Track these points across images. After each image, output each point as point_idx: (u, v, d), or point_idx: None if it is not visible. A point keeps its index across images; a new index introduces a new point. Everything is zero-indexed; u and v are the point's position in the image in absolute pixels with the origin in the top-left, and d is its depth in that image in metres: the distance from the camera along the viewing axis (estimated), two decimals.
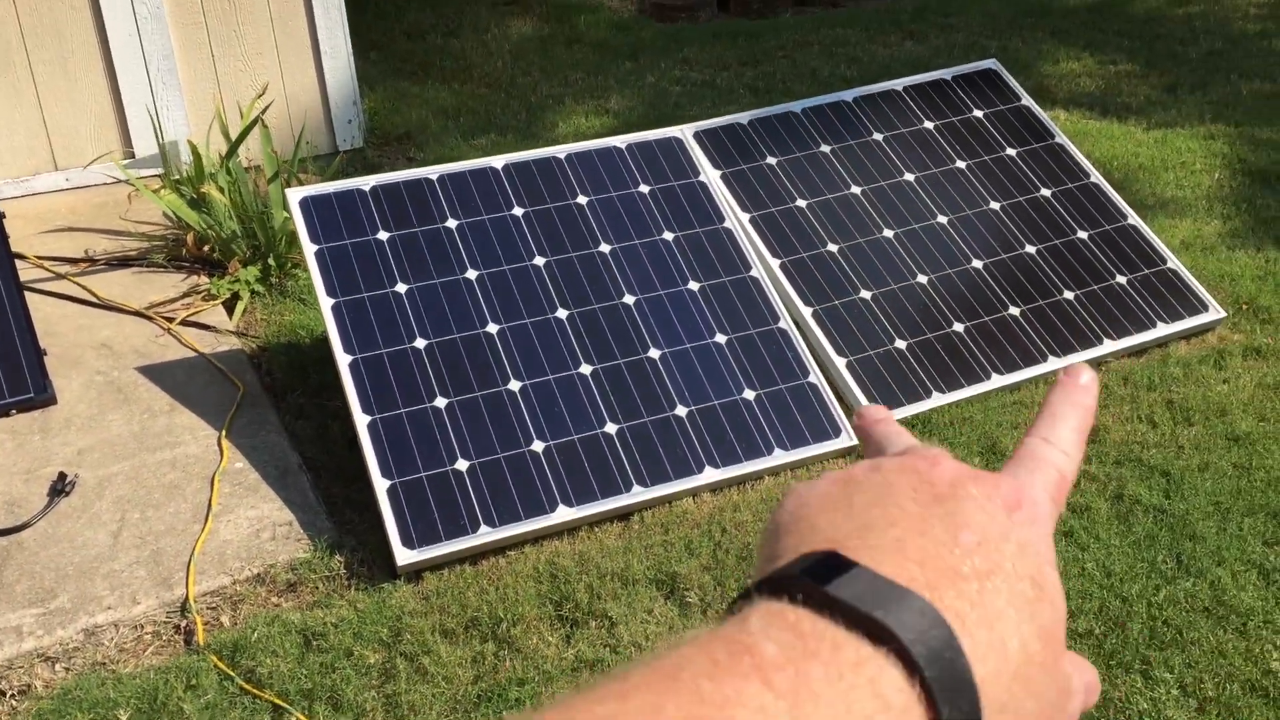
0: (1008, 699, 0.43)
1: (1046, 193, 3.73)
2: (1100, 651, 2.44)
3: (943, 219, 3.60)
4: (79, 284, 3.84)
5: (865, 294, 3.39)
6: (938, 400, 3.19)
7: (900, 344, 3.29)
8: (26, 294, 3.57)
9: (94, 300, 3.76)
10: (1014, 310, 3.42)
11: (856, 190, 3.62)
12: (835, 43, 6.06)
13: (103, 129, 4.37)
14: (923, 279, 3.45)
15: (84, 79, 4.29)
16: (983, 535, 0.46)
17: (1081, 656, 0.50)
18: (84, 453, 3.04)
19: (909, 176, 3.68)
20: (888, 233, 3.54)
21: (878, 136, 3.77)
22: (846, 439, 3.03)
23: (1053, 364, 3.32)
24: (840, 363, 3.23)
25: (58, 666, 2.44)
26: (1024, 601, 0.45)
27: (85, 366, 3.41)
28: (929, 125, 3.83)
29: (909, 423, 3.13)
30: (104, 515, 2.82)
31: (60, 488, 2.88)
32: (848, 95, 3.86)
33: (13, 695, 2.38)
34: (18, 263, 3.88)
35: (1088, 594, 2.58)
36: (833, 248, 3.48)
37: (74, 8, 4.19)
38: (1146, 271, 3.58)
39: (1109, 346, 3.38)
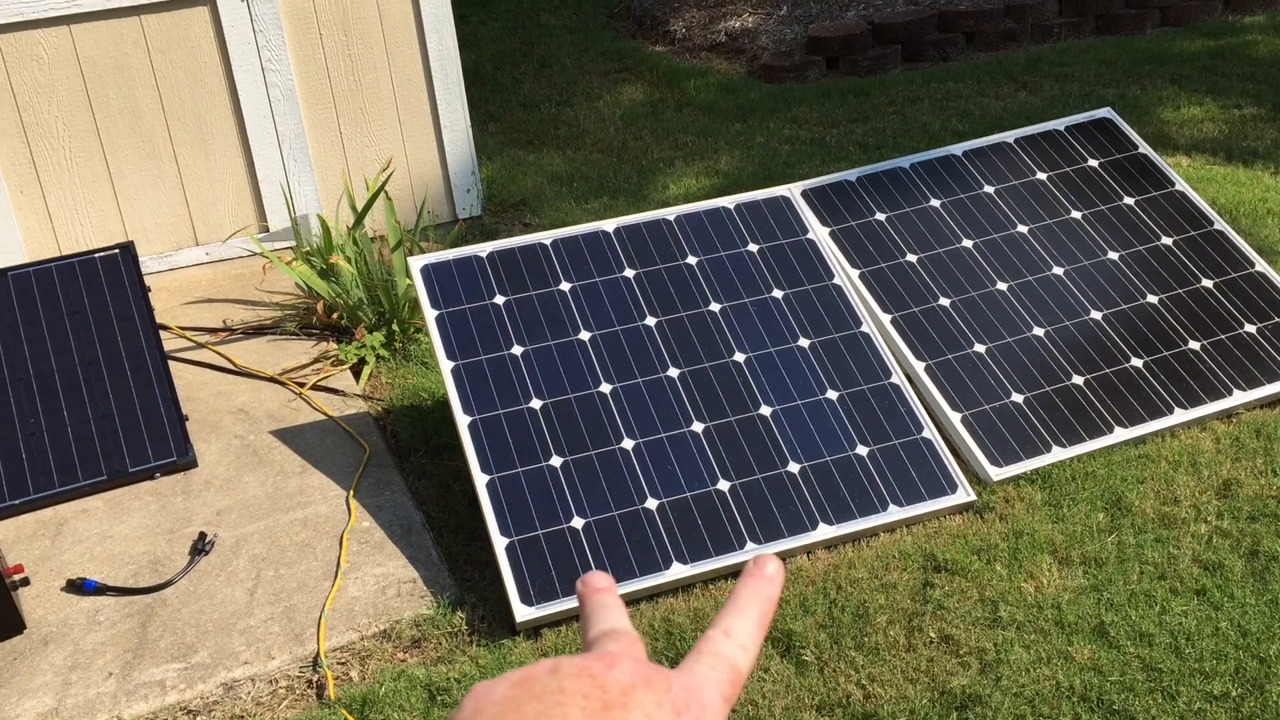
0: None
1: (1168, 241, 3.66)
2: (1238, 715, 2.35)
3: (1058, 270, 3.56)
4: (218, 352, 4.05)
5: (979, 347, 3.36)
6: (1058, 454, 3.14)
7: (1017, 398, 3.25)
8: (170, 363, 3.78)
9: (232, 367, 3.96)
10: (1136, 362, 3.35)
11: (968, 243, 3.61)
12: (946, 96, 6.05)
13: (239, 205, 4.62)
14: (1039, 331, 3.41)
15: (222, 159, 4.55)
16: None
17: None
18: (222, 513, 3.20)
19: (1022, 228, 3.65)
20: (1001, 285, 3.51)
21: (988, 189, 3.75)
22: (964, 494, 3.00)
23: (1179, 416, 3.24)
24: (955, 417, 3.20)
25: (198, 719, 2.55)
26: None
27: (223, 431, 3.58)
28: (1041, 176, 3.80)
29: (1029, 478, 3.08)
30: (241, 573, 2.96)
31: (200, 547, 3.03)
32: (957, 149, 3.86)
33: None
34: (162, 333, 4.12)
35: (1223, 655, 2.50)
36: (944, 302, 3.46)
37: (212, 93, 4.46)
38: (1277, 320, 3.47)
39: (1239, 398, 3.28)
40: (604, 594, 0.60)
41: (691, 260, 3.45)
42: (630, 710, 0.51)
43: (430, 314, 3.27)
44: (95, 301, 3.63)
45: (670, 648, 2.61)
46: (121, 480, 3.33)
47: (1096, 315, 3.45)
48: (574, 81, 6.80)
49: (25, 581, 2.93)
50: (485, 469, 2.97)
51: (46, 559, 3.07)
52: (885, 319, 3.41)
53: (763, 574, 0.60)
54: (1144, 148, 3.91)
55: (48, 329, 3.56)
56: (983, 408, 3.23)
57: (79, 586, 2.93)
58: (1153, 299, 3.50)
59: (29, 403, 3.42)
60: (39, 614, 2.87)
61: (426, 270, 3.35)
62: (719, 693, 0.55)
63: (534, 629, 2.72)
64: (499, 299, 3.32)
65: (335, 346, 4.03)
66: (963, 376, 3.29)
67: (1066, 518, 2.94)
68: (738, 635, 0.58)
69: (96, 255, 3.73)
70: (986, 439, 3.16)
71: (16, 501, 3.25)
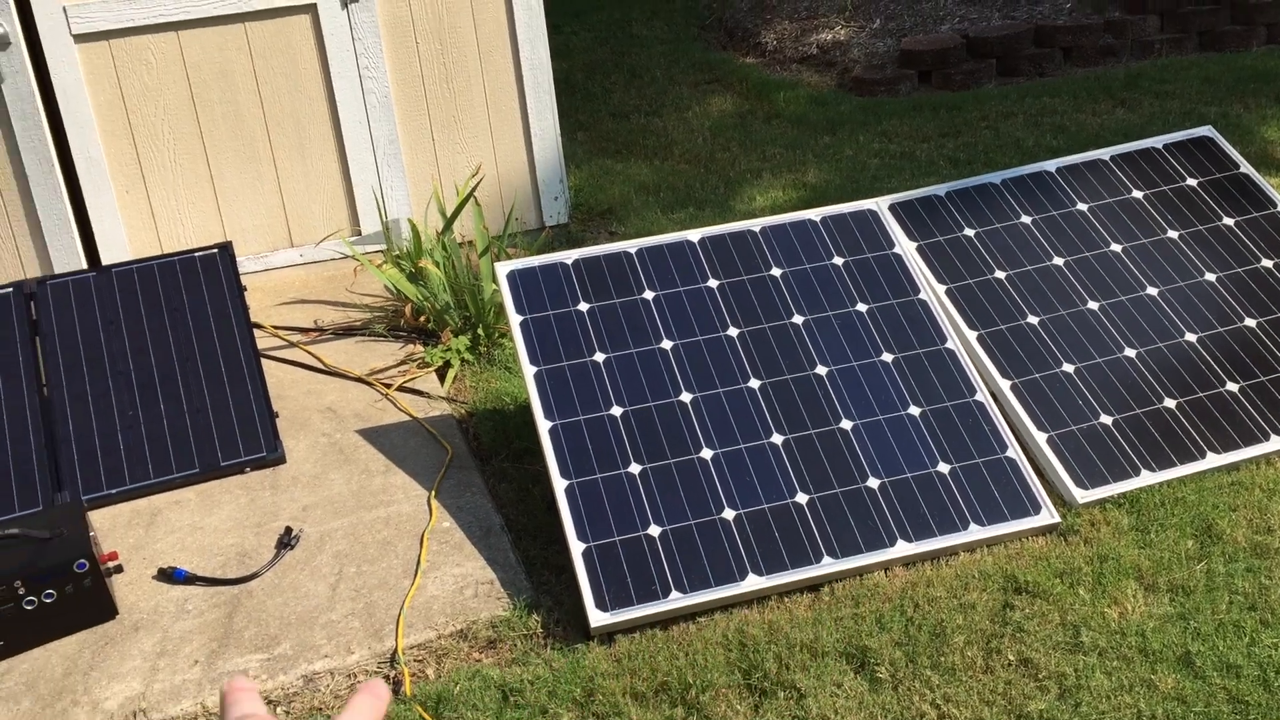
0: None
1: (1268, 263, 3.55)
2: None
3: (1152, 291, 3.48)
4: (309, 351, 4.15)
5: (1068, 367, 3.30)
6: (1147, 479, 3.06)
7: (1106, 419, 3.18)
8: (262, 360, 3.88)
9: (321, 367, 4.05)
10: (1232, 386, 3.26)
11: (1059, 261, 3.54)
12: (1041, 112, 5.95)
13: (333, 209, 4.73)
14: (1130, 353, 3.33)
15: (318, 163, 4.66)
16: None
17: None
18: (308, 509, 3.27)
19: (1115, 247, 3.58)
20: (1092, 305, 3.44)
21: (1082, 206, 3.68)
22: (1047, 516, 2.94)
23: (1276, 444, 3.14)
24: (1040, 437, 3.15)
25: (279, 710, 2.61)
26: None
27: (312, 428, 3.67)
28: (1137, 195, 3.71)
29: (1115, 501, 3.02)
30: (324, 568, 3.02)
31: (286, 541, 3.10)
32: (1050, 165, 3.80)
33: None
34: (256, 332, 4.23)
35: None
36: (1033, 320, 3.41)
37: (311, 98, 4.57)
38: None
39: None
40: (242, 691, 0.72)
41: (776, 272, 3.45)
42: None
43: (515, 319, 3.31)
44: (194, 299, 3.75)
45: (743, 659, 2.61)
46: (213, 474, 3.42)
47: (1191, 337, 3.37)
48: (664, 92, 6.83)
49: (119, 569, 3.03)
50: (565, 474, 3.00)
51: (140, 548, 3.18)
52: (971, 336, 3.36)
53: (375, 692, 0.74)
54: (1245, 167, 3.81)
55: (148, 324, 3.68)
56: (1070, 428, 3.17)
57: (169, 575, 3.02)
58: (1250, 322, 3.41)
59: (128, 395, 3.54)
60: (130, 600, 2.96)
61: (513, 276, 3.40)
62: None
63: (608, 634, 2.74)
64: (583, 306, 3.35)
65: (421, 349, 4.10)
66: (1050, 396, 3.23)
67: (1154, 543, 2.87)
68: None
69: (196, 254, 3.85)
70: (1073, 460, 3.10)
71: (113, 491, 3.36)
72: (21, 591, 2.78)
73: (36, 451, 3.39)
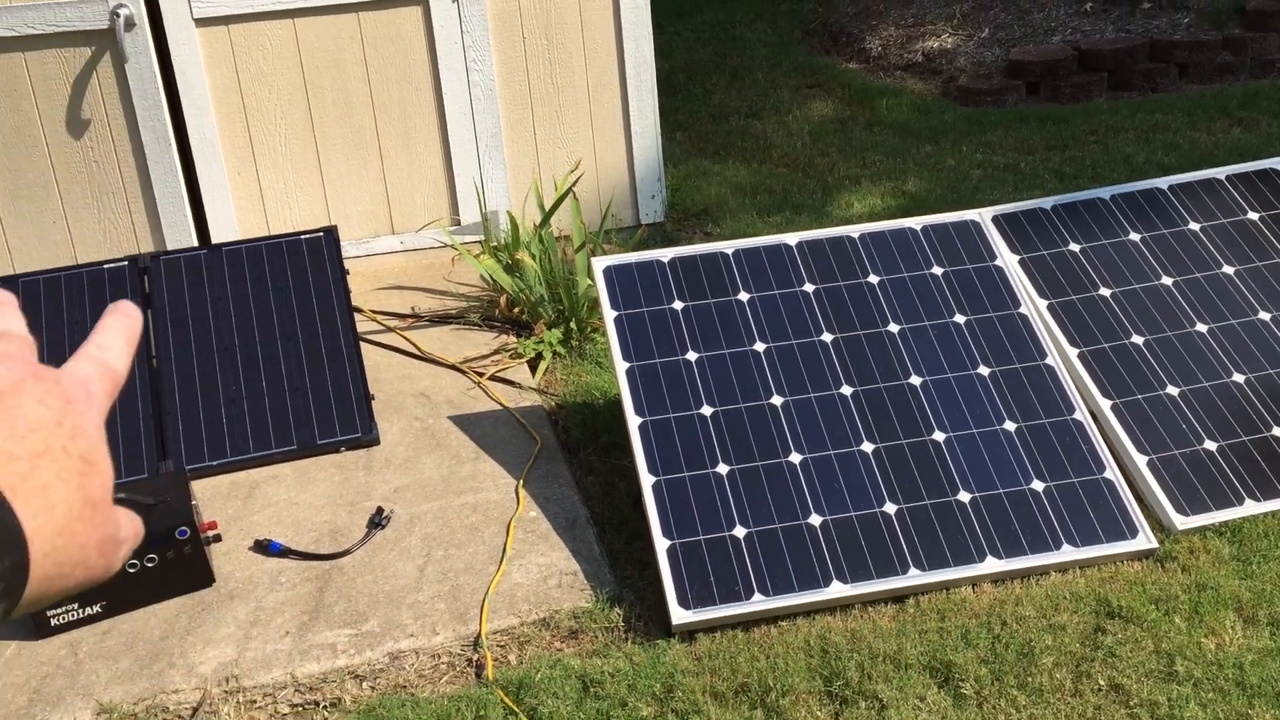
0: (53, 547, 0.57)
1: None
2: None
3: (1265, 315, 3.37)
4: (405, 337, 4.22)
5: (1172, 390, 3.22)
6: (1252, 508, 2.97)
7: (1210, 445, 3.10)
8: (360, 344, 3.96)
9: (417, 353, 4.12)
10: None
11: (1167, 281, 3.46)
12: (1153, 128, 5.81)
13: (434, 198, 4.81)
14: (1239, 378, 3.24)
15: (422, 153, 4.74)
16: (38, 424, 0.57)
17: (131, 511, 0.64)
18: (399, 491, 3.33)
19: (1227, 269, 3.48)
20: (1200, 327, 3.35)
21: (1194, 226, 3.59)
22: (1145, 540, 2.87)
23: None
24: (1140, 460, 3.07)
25: (364, 685, 2.67)
26: (73, 474, 0.58)
27: (405, 413, 3.74)
28: (1253, 216, 3.61)
29: (1217, 530, 2.94)
30: (413, 550, 3.08)
31: (377, 521, 3.17)
32: (1162, 182, 3.70)
33: (325, 706, 2.62)
34: (355, 315, 4.32)
35: None
36: (1137, 339, 3.33)
37: (418, 89, 4.65)
38: None
39: None
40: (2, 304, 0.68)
41: (873, 279, 3.42)
42: (22, 398, 0.58)
43: (609, 315, 3.33)
44: (298, 280, 3.84)
45: (825, 666, 2.59)
46: (310, 451, 3.51)
47: None
48: (764, 94, 6.81)
49: (218, 538, 3.12)
50: (652, 470, 3.01)
51: (238, 519, 3.26)
52: (1072, 353, 3.30)
53: (124, 311, 0.70)
54: None
55: (254, 303, 3.78)
56: (1171, 452, 3.09)
57: (265, 547, 3.10)
58: None
59: (232, 371, 3.64)
60: (227, 570, 3.05)
61: (609, 272, 3.42)
62: (101, 388, 0.64)
63: (689, 633, 2.74)
64: (677, 304, 3.36)
65: (515, 340, 4.15)
66: (1152, 418, 3.16)
67: (1256, 575, 2.79)
68: (110, 348, 0.67)
69: (303, 237, 3.94)
70: (1174, 485, 3.02)
71: (214, 463, 3.46)
72: None
73: (144, 421, 3.51)
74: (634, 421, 3.12)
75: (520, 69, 4.72)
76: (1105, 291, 3.44)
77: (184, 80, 4.45)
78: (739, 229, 4.94)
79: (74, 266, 3.79)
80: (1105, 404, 3.19)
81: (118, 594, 2.89)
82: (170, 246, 4.56)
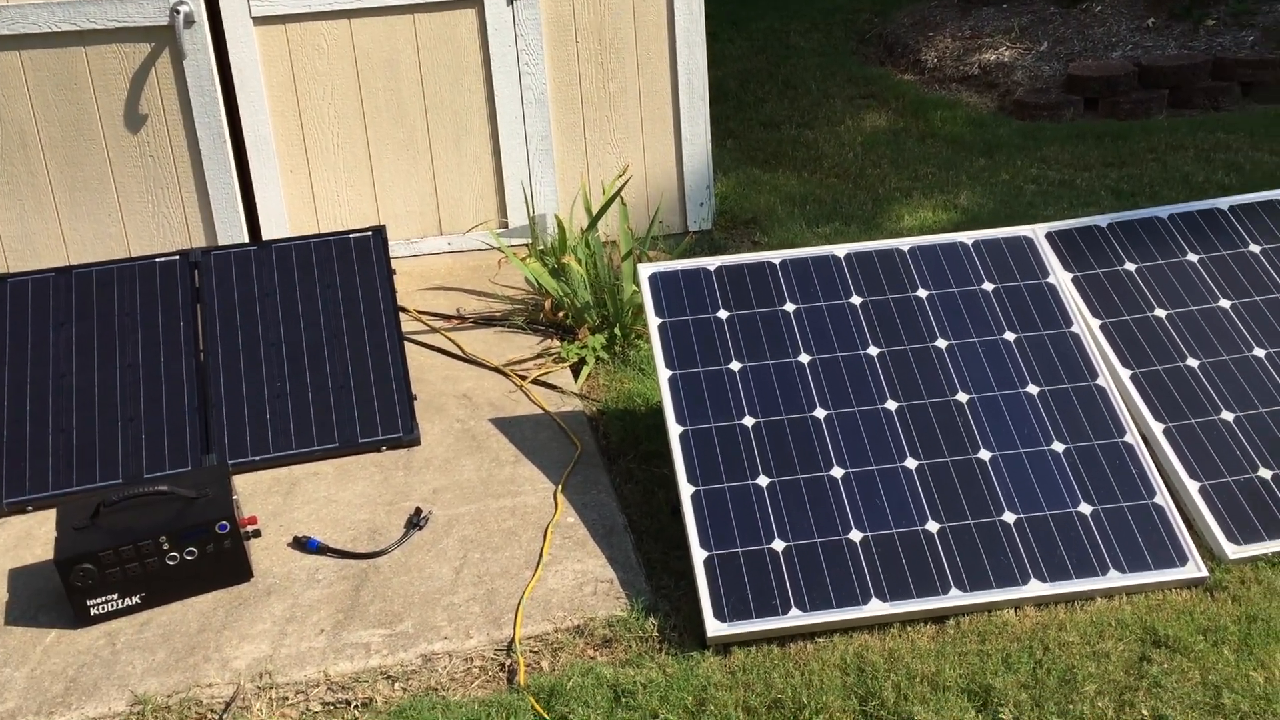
0: None
1: None
2: None
3: None
4: (449, 338, 4.23)
5: (1227, 415, 3.14)
6: None
7: (1265, 473, 3.02)
8: (405, 343, 3.97)
9: (460, 354, 4.12)
10: None
11: (1225, 304, 3.38)
12: (1214, 147, 5.70)
13: (483, 200, 4.82)
14: None
15: (472, 155, 4.76)
16: None
17: None
18: (438, 492, 3.33)
19: None
20: (1259, 352, 3.27)
21: (1254, 248, 3.51)
22: (1194, 569, 2.80)
23: None
24: (1193, 486, 3.00)
25: (397, 685, 2.67)
26: None
27: (447, 414, 3.74)
28: None
29: (1270, 560, 2.86)
30: (449, 551, 3.07)
31: (416, 521, 3.17)
32: (1223, 203, 3.62)
33: (357, 705, 2.62)
34: (401, 316, 4.33)
35: None
36: (1192, 363, 3.25)
37: (470, 91, 4.67)
38: None
39: None
40: None
41: (922, 293, 3.37)
42: None
43: (654, 322, 3.31)
44: (345, 279, 3.86)
45: (861, 685, 2.55)
46: (351, 449, 3.52)
47: None
48: (817, 104, 6.77)
49: (257, 533, 3.13)
50: (692, 480, 2.99)
51: (277, 515, 3.28)
52: (1124, 374, 3.23)
53: None
54: None
55: (301, 300, 3.81)
56: (1225, 479, 3.01)
57: (303, 544, 3.11)
58: None
59: (277, 367, 3.66)
60: (265, 565, 3.06)
61: (654, 278, 3.40)
62: None
63: (724, 645, 2.71)
64: (722, 313, 3.33)
65: (558, 344, 4.14)
66: (1205, 444, 3.08)
67: None
68: None
69: (351, 236, 3.97)
70: (1226, 513, 2.95)
71: (257, 458, 3.48)
72: (166, 547, 2.90)
73: (189, 414, 3.54)
74: (675, 430, 3.09)
75: (573, 73, 4.72)
76: (1160, 312, 3.37)
77: (240, 78, 4.49)
78: (787, 239, 4.91)
79: (126, 260, 3.84)
80: (1157, 427, 3.12)
81: (157, 586, 2.91)
82: (222, 242, 4.60)
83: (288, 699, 2.64)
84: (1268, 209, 3.61)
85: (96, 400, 3.55)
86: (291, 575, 3.02)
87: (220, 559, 2.94)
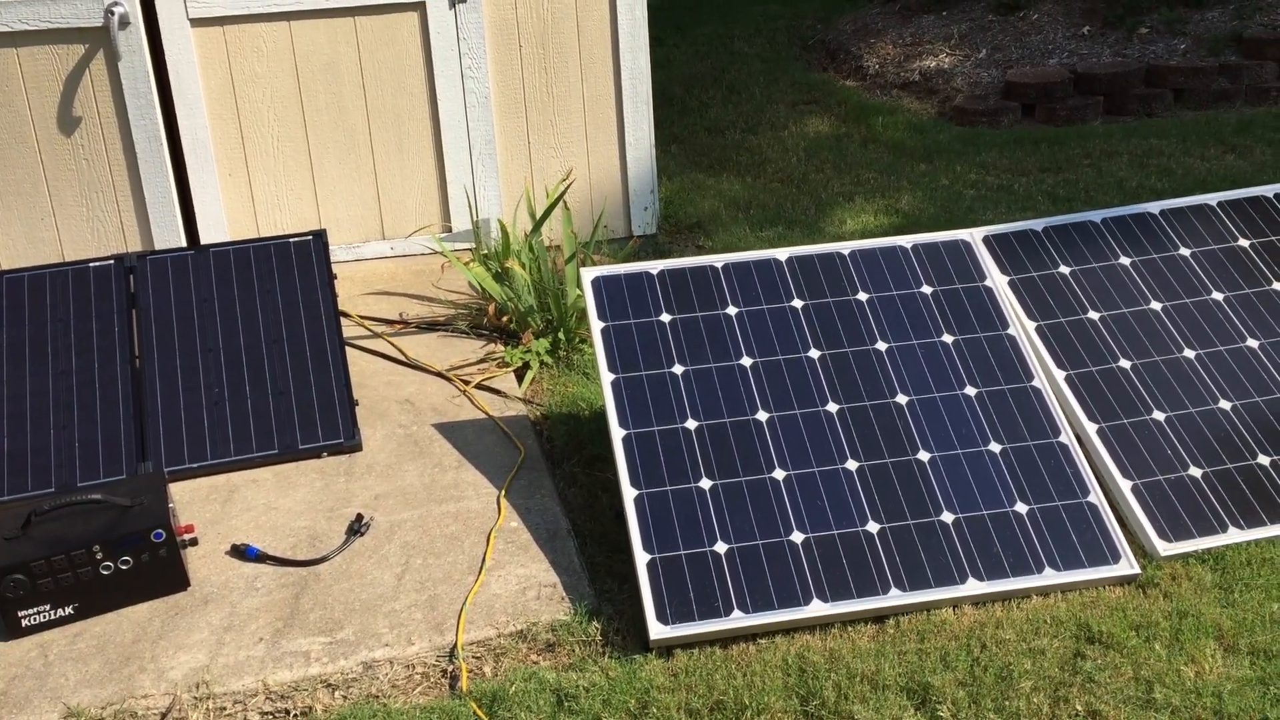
0: None
1: None
2: None
3: (1253, 343, 3.37)
4: (392, 343, 4.20)
5: (1158, 415, 3.20)
6: (1235, 536, 2.96)
7: (1195, 471, 3.09)
8: (346, 349, 3.94)
9: (403, 359, 4.10)
10: None
11: (1156, 306, 3.45)
12: (1147, 153, 5.81)
13: (426, 204, 4.79)
14: (1225, 405, 3.23)
15: (414, 159, 4.73)
16: None
17: None
18: (380, 498, 3.31)
19: (1217, 295, 3.47)
20: (1188, 353, 3.34)
21: (1184, 251, 3.58)
22: (1127, 566, 2.86)
23: None
24: (1125, 485, 3.06)
25: (337, 694, 2.64)
26: None
27: (389, 419, 3.71)
28: (1244, 243, 3.60)
29: (1200, 557, 2.92)
30: (391, 558, 3.05)
31: (357, 528, 3.14)
32: (1153, 207, 3.70)
33: (296, 714, 2.59)
34: (342, 320, 4.30)
35: None
36: (1125, 364, 3.32)
37: (413, 95, 4.64)
38: None
39: None
40: None
41: (862, 296, 3.41)
42: None
43: (596, 325, 3.32)
44: (285, 284, 3.82)
45: (802, 685, 2.57)
46: (291, 456, 3.48)
47: None
48: (761, 110, 6.81)
49: (194, 542, 3.09)
50: (635, 484, 2.99)
51: (215, 523, 3.24)
52: (1059, 375, 3.29)
53: None
54: None
55: (240, 305, 3.76)
56: (1156, 478, 3.07)
57: (242, 552, 3.07)
58: None
59: (216, 373, 3.61)
60: (203, 574, 3.02)
61: (597, 282, 3.40)
62: None
63: (667, 648, 2.72)
64: (665, 317, 3.34)
65: (502, 348, 4.13)
66: (1137, 443, 3.14)
67: (1238, 603, 2.77)
68: None
69: (291, 240, 3.93)
70: (1157, 511, 3.01)
71: (194, 465, 3.43)
72: (99, 556, 2.85)
73: (124, 421, 3.48)
74: (618, 433, 3.10)
75: (516, 77, 4.71)
76: (1094, 315, 3.43)
77: (177, 80, 4.43)
78: (731, 242, 4.93)
79: (59, 264, 3.77)
80: (1091, 428, 3.18)
81: (91, 596, 2.86)
82: (159, 246, 4.54)
83: (225, 709, 2.61)
84: (1196, 213, 3.69)
85: (29, 408, 3.48)
86: (229, 584, 2.98)
87: (156, 568, 2.90)
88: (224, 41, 4.45)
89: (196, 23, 4.40)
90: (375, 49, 4.56)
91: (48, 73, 4.31)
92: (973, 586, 2.81)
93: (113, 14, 4.22)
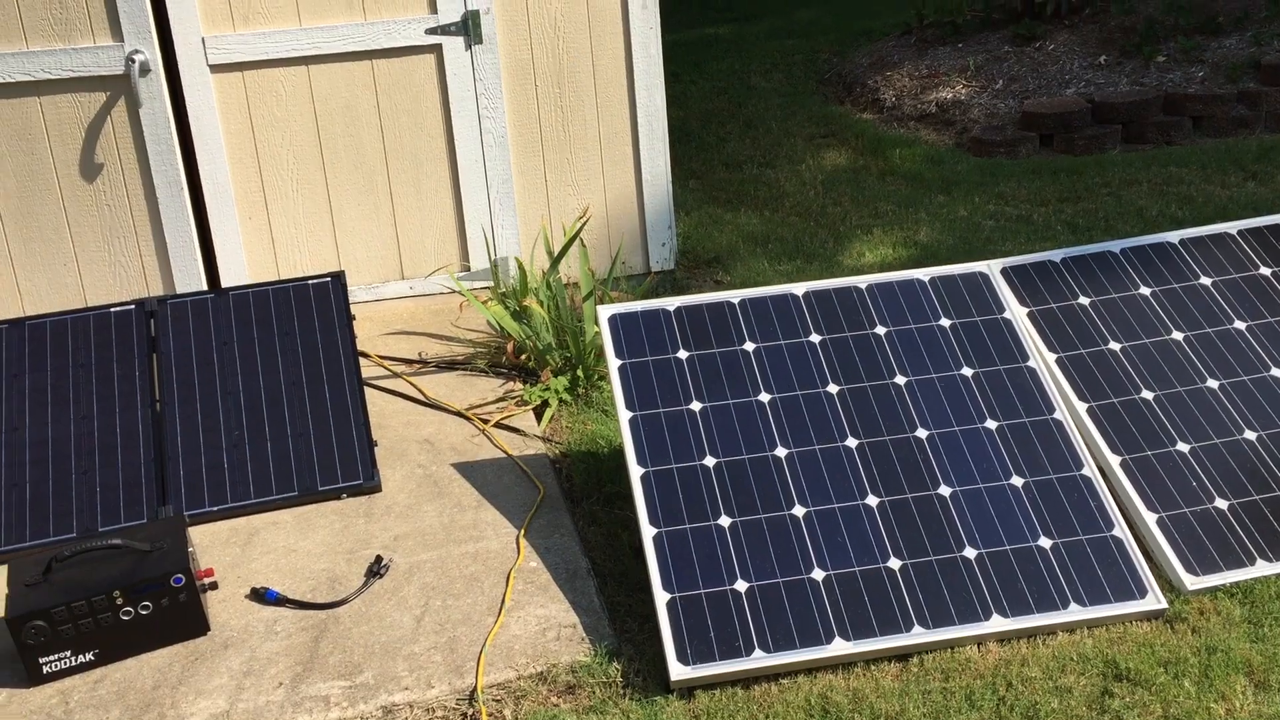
0: None
1: None
2: None
3: (1276, 372, 3.33)
4: (411, 382, 4.21)
5: (1182, 446, 3.17)
6: (1264, 569, 2.91)
7: (1221, 504, 3.04)
8: (365, 389, 3.95)
9: (422, 399, 4.10)
10: None
11: (1178, 336, 3.42)
12: (1167, 181, 5.79)
13: (444, 244, 4.82)
14: (1250, 435, 3.19)
15: (433, 199, 4.76)
16: None
17: None
18: (399, 539, 3.30)
19: (1239, 324, 3.44)
20: (1211, 383, 3.31)
21: (1205, 280, 3.55)
22: (1154, 601, 2.81)
23: None
24: (1150, 518, 3.02)
25: None
26: None
27: (409, 459, 3.71)
28: (1265, 272, 3.57)
29: (1228, 591, 2.87)
30: (410, 600, 3.04)
31: (376, 570, 3.13)
32: (1173, 236, 3.68)
33: None
34: (361, 361, 4.31)
35: None
36: (1147, 395, 3.28)
37: (430, 136, 4.68)
38: None
39: None
40: None
41: (880, 330, 3.39)
42: None
43: (614, 363, 3.31)
44: (304, 325, 3.84)
45: None
46: (311, 498, 3.48)
47: None
48: (778, 144, 6.83)
49: (214, 585, 3.09)
50: (654, 522, 2.98)
51: (235, 566, 3.24)
52: (1081, 408, 3.26)
53: None
54: None
55: (259, 348, 3.78)
56: (1182, 511, 3.03)
57: (261, 596, 3.07)
58: None
59: (235, 416, 3.63)
60: (223, 618, 3.02)
61: (614, 320, 3.40)
62: None
63: (688, 689, 2.69)
64: (682, 354, 3.33)
65: (521, 387, 4.13)
66: (1162, 476, 3.11)
67: (1268, 638, 2.72)
68: None
69: (310, 282, 3.95)
70: (1184, 544, 2.96)
71: (214, 508, 3.44)
72: (119, 602, 2.85)
73: (145, 465, 3.49)
74: (636, 472, 3.08)
75: (532, 116, 4.74)
76: (1115, 346, 3.40)
77: (198, 126, 4.48)
78: (750, 277, 4.93)
79: (80, 310, 3.81)
80: (1114, 460, 3.14)
81: (111, 642, 2.86)
82: (180, 290, 4.57)
83: None
84: (1217, 241, 3.66)
85: (50, 453, 3.50)
86: (249, 628, 2.97)
87: (176, 613, 2.90)
88: (243, 87, 4.50)
89: (216, 69, 4.46)
90: (392, 91, 4.61)
91: (70, 120, 4.37)
92: (997, 623, 2.77)
93: (134, 61, 4.28)
